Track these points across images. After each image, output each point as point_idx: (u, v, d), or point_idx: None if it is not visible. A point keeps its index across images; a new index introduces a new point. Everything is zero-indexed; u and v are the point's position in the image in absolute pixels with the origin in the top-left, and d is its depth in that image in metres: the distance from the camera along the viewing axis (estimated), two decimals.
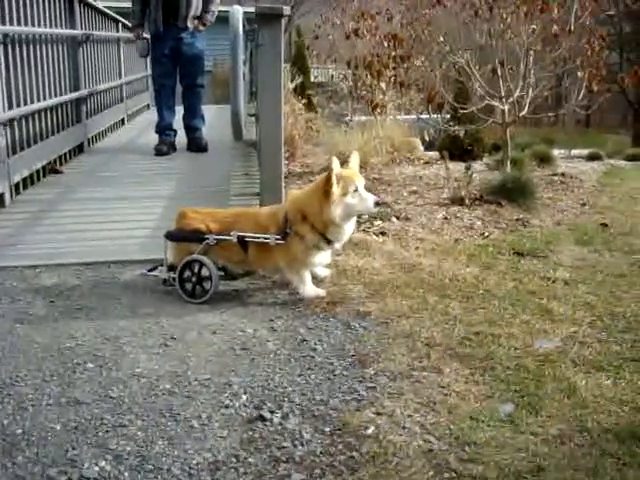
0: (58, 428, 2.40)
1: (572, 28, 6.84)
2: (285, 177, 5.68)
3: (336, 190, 3.44)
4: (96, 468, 2.17)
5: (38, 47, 6.14)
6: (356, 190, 3.49)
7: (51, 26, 6.53)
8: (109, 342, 3.07)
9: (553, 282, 3.96)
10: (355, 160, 3.67)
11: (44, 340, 3.09)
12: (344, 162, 3.65)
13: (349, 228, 3.63)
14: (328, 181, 3.44)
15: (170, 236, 3.74)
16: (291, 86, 9.43)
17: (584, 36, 7.01)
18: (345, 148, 7.41)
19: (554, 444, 2.31)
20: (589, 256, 4.51)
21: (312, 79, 14.48)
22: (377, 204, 3.58)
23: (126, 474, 2.14)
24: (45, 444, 2.30)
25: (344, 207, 3.47)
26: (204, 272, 3.56)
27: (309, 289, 3.60)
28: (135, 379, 2.74)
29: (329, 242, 3.57)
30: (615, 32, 26.00)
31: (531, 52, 6.85)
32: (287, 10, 4.28)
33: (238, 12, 4.22)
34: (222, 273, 3.70)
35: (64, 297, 3.61)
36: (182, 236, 3.73)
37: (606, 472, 2.16)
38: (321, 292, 3.61)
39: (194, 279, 3.57)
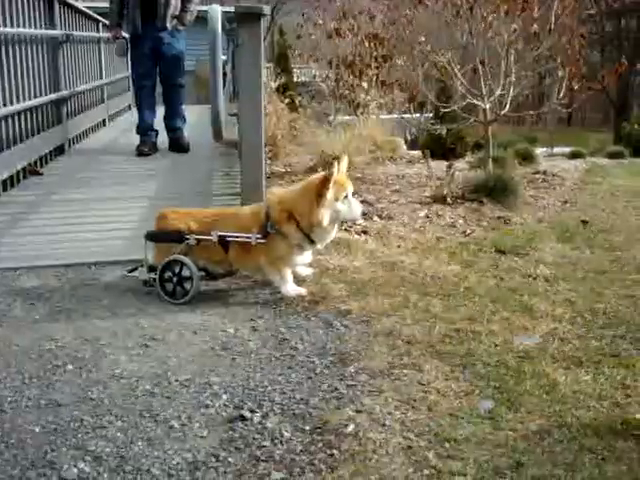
0: (37, 430, 2.38)
1: (552, 27, 6.87)
2: (268, 177, 5.69)
3: (330, 195, 3.45)
4: (75, 470, 2.15)
5: (17, 48, 6.09)
6: (346, 197, 3.53)
7: (31, 26, 6.49)
8: (89, 344, 3.06)
9: (534, 279, 3.98)
10: (344, 164, 3.67)
11: (24, 342, 3.07)
12: (329, 163, 3.67)
13: (333, 231, 3.65)
14: (325, 184, 3.44)
15: (150, 237, 3.72)
16: (274, 86, 9.42)
17: (565, 35, 7.04)
18: (328, 148, 7.42)
19: (533, 440, 2.32)
20: (570, 253, 4.53)
21: (295, 79, 14.47)
22: (363, 214, 3.65)
23: (105, 475, 2.13)
24: (24, 446, 2.29)
25: (333, 212, 3.49)
26: (185, 272, 3.55)
27: (290, 288, 3.60)
28: (115, 380, 2.73)
29: (312, 242, 3.57)
30: (596, 31, 26.18)
31: (512, 51, 6.87)
32: (267, 10, 4.28)
33: (216, 12, 4.21)
34: (203, 273, 3.69)
35: (44, 299, 3.59)
36: (162, 237, 3.72)
37: (585, 467, 2.17)
38: (302, 291, 3.61)
39: (175, 280, 3.56)
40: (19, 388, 2.67)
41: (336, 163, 3.51)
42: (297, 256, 3.61)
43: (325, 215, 3.47)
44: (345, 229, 4.78)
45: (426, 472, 2.13)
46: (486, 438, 2.32)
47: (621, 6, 25.43)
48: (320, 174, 3.58)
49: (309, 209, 3.47)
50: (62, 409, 2.52)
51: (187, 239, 3.60)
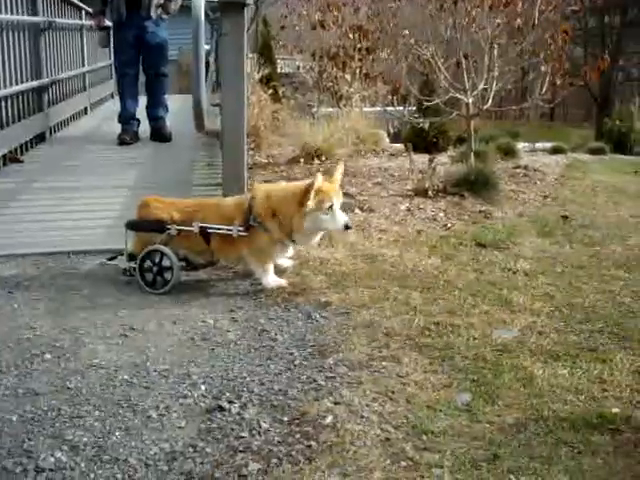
0: (14, 419, 2.37)
1: (536, 22, 6.89)
2: (250, 168, 5.67)
3: (310, 204, 3.42)
4: (52, 459, 2.15)
5: None
6: (331, 207, 3.46)
7: (12, 12, 6.43)
8: (68, 333, 3.04)
9: (514, 273, 4.00)
10: (340, 171, 3.63)
11: (1, 331, 3.05)
12: (326, 172, 3.66)
13: (316, 237, 3.65)
14: (305, 194, 3.42)
15: (131, 226, 3.71)
16: (257, 77, 9.39)
17: (548, 30, 7.06)
18: (311, 139, 7.42)
19: (510, 433, 2.33)
20: (550, 248, 4.56)
21: (279, 70, 14.43)
22: (347, 227, 3.52)
23: (82, 465, 2.13)
24: (0, 435, 2.28)
25: (314, 222, 3.47)
26: (165, 262, 3.54)
27: (271, 279, 3.60)
28: (93, 370, 2.72)
29: (294, 241, 3.57)
30: (580, 27, 26.28)
31: (495, 45, 6.89)
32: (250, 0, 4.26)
33: (199, 0, 4.19)
34: (183, 264, 3.68)
35: (23, 287, 3.57)
36: (143, 226, 3.70)
37: (561, 460, 2.19)
38: (283, 282, 3.61)
39: (155, 269, 3.55)
40: None
41: (319, 175, 3.46)
42: (279, 251, 3.61)
43: (303, 224, 3.46)
44: None
45: (403, 464, 2.14)
46: (463, 431, 2.33)
47: (604, 2, 25.52)
48: (306, 182, 3.54)
49: (290, 214, 3.47)
50: (39, 398, 2.51)
51: (168, 229, 3.59)
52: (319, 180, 3.43)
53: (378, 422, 2.37)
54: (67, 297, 3.45)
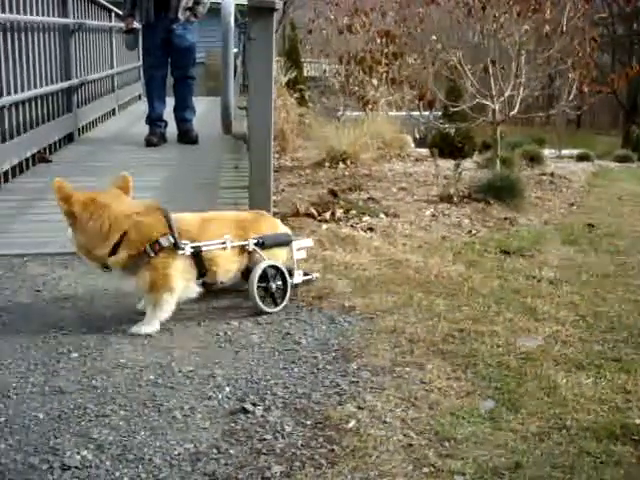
0: (41, 417, 2.40)
1: (564, 29, 6.87)
2: (276, 171, 5.70)
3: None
4: (78, 457, 2.17)
5: (30, 35, 6.12)
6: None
7: (43, 14, 6.51)
8: (94, 332, 3.08)
9: (538, 281, 3.99)
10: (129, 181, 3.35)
11: (29, 329, 3.09)
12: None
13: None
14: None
15: None
16: (284, 80, 9.44)
17: (576, 37, 7.04)
18: (336, 143, 7.44)
19: (533, 441, 2.33)
20: (575, 256, 4.54)
21: (305, 74, 14.47)
22: None
23: (107, 463, 2.15)
24: (27, 432, 2.30)
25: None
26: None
27: None
28: (119, 369, 2.75)
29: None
30: (608, 34, 26.09)
31: (523, 52, 6.88)
32: (279, 4, 4.28)
33: (230, 5, 4.21)
34: None
35: (50, 286, 3.62)
36: None
37: (583, 470, 2.18)
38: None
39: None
40: (24, 374, 2.69)
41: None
42: None
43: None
44: (351, 226, 4.80)
45: (425, 470, 2.15)
46: (486, 438, 2.33)
47: (633, 9, 25.34)
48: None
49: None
50: (66, 396, 2.53)
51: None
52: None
53: (401, 428, 2.37)
54: (94, 296, 3.49)
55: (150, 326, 3.11)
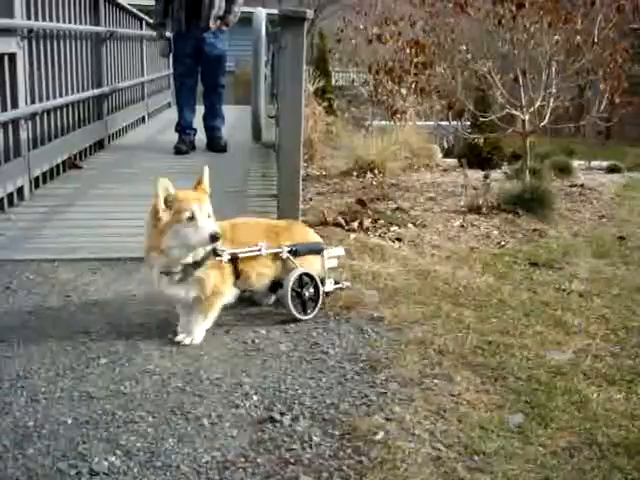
0: (69, 422, 2.41)
1: (596, 40, 6.82)
2: (304, 179, 5.69)
3: (165, 217, 3.01)
4: (106, 463, 2.18)
5: (62, 43, 6.19)
6: (191, 218, 2.95)
7: (75, 22, 6.58)
8: (123, 338, 3.09)
9: (568, 294, 3.95)
10: (206, 175, 3.14)
11: (58, 334, 3.11)
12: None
13: (186, 254, 3.02)
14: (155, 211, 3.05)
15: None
16: (312, 89, 9.45)
17: (607, 48, 6.98)
18: (364, 153, 7.44)
19: (563, 456, 2.30)
20: (605, 269, 4.49)
21: (333, 82, 14.50)
22: (214, 239, 2.92)
23: (135, 470, 2.16)
24: (56, 437, 2.32)
25: (175, 236, 2.97)
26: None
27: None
28: (147, 376, 2.76)
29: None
30: (639, 44, 25.83)
31: (553, 62, 6.84)
32: (310, 13, 4.29)
33: (261, 14, 4.24)
34: None
35: (80, 292, 3.64)
36: None
37: None
38: None
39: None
40: (52, 379, 2.71)
41: (162, 180, 3.06)
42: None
43: (164, 240, 2.99)
44: (379, 235, 4.79)
45: None
46: (515, 452, 2.31)
47: None
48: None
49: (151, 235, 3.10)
50: (94, 402, 2.55)
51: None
52: (164, 186, 3.04)
53: (429, 440, 2.36)
54: (123, 303, 3.51)
55: (201, 334, 3.12)
